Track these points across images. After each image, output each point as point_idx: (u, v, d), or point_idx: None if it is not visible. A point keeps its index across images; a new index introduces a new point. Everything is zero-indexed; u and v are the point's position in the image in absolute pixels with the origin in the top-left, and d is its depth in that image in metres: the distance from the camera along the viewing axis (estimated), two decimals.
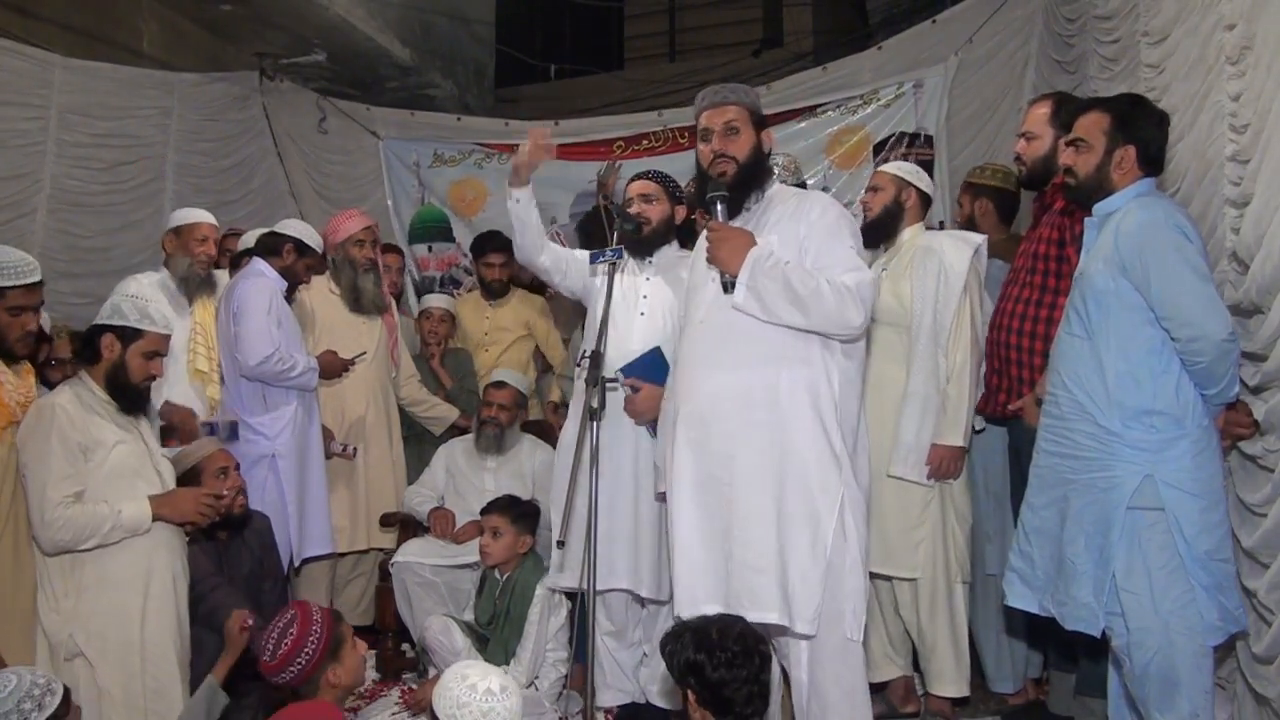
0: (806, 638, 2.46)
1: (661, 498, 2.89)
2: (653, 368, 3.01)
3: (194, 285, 3.65)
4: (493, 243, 4.76)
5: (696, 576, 2.53)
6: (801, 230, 2.56)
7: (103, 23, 5.38)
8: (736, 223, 2.61)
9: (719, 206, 2.56)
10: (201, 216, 3.72)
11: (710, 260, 2.55)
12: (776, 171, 2.85)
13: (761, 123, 2.68)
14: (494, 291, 4.74)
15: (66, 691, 2.09)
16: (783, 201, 2.66)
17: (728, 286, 2.51)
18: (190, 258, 3.64)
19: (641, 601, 3.24)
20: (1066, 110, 2.98)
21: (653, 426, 3.04)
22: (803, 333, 2.49)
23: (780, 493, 2.46)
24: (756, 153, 2.65)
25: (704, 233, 2.65)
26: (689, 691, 2.11)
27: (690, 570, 2.54)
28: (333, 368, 3.87)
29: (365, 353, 3.98)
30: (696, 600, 2.49)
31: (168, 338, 2.84)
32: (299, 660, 2.27)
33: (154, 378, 2.83)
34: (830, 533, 2.44)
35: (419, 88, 7.03)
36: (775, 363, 2.50)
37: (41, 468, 2.62)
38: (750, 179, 2.64)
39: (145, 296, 2.86)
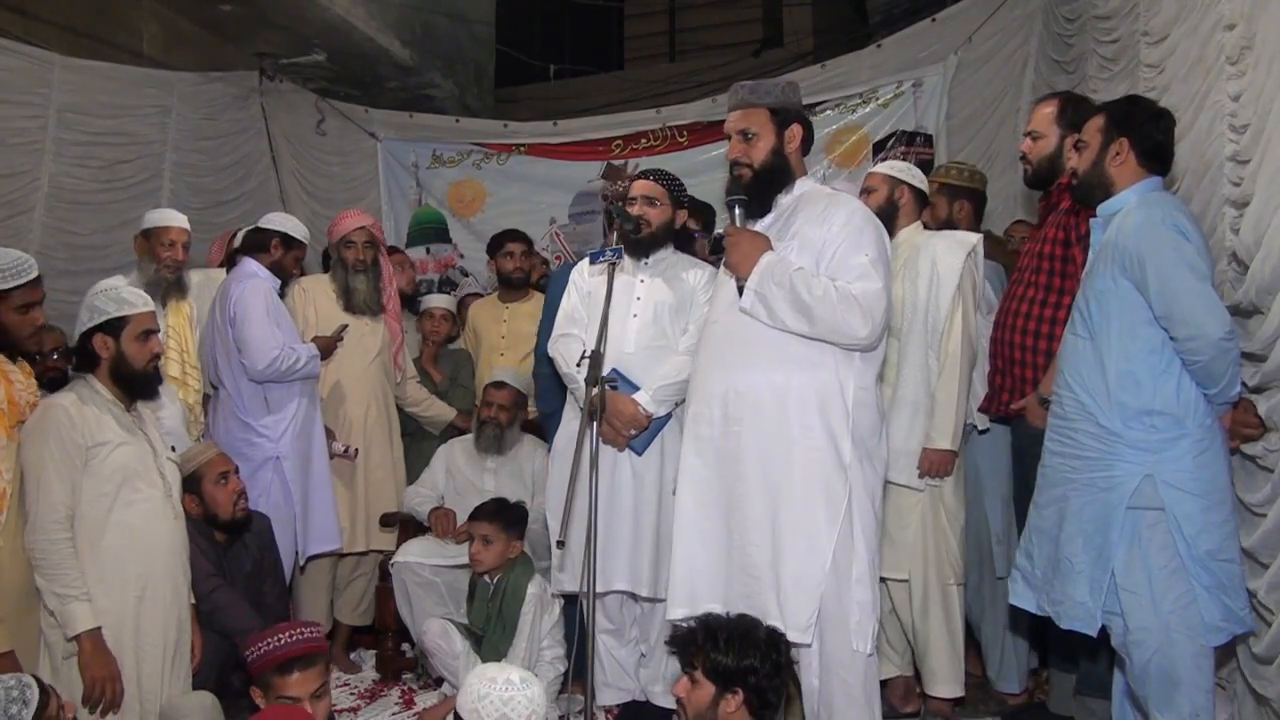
0: (806, 645, 2.45)
1: None
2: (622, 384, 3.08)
3: (161, 289, 3.55)
4: (511, 234, 4.69)
5: (696, 576, 2.54)
6: (823, 234, 2.54)
7: (102, 23, 5.38)
8: (766, 221, 2.62)
9: (737, 210, 2.58)
10: (171, 219, 3.64)
11: (725, 264, 2.57)
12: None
13: (788, 120, 2.64)
14: (515, 284, 4.60)
15: (40, 684, 2.11)
16: (811, 203, 2.63)
17: (741, 291, 2.52)
18: (156, 262, 3.57)
19: (637, 599, 3.24)
20: (1074, 110, 2.98)
21: (635, 444, 3.08)
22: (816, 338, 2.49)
23: (782, 500, 2.45)
24: (775, 156, 2.63)
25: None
26: (739, 691, 2.17)
27: (690, 569, 2.55)
28: (326, 348, 3.84)
29: (348, 325, 3.93)
30: (696, 599, 2.49)
31: (153, 313, 2.84)
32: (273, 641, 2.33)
33: (157, 356, 2.82)
34: (832, 543, 2.42)
35: (419, 88, 7.03)
36: (785, 366, 2.49)
37: (38, 469, 2.62)
38: (768, 183, 2.64)
39: (115, 285, 2.83)
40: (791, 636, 2.41)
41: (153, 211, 3.76)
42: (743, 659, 2.17)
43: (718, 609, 2.45)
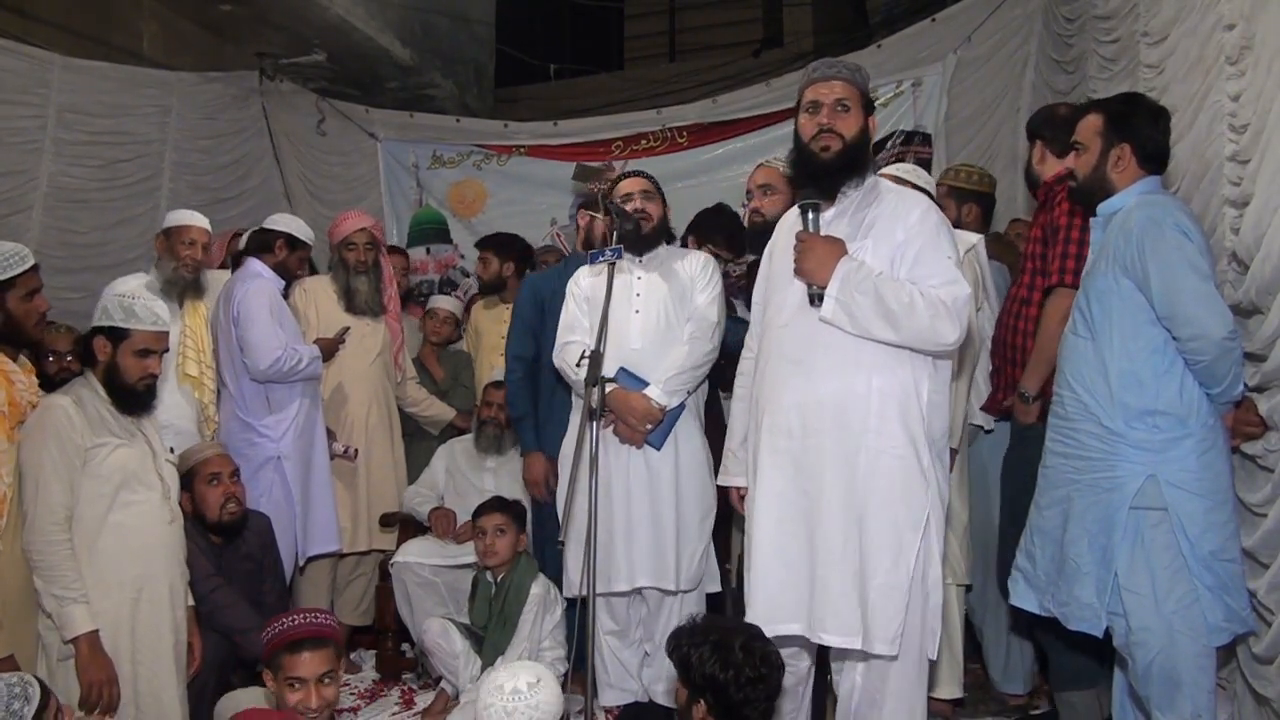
0: (889, 658, 2.38)
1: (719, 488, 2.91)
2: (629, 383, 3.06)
3: (179, 289, 3.57)
4: (486, 241, 4.73)
5: (776, 594, 2.44)
6: (899, 234, 2.43)
7: (102, 24, 5.37)
8: (829, 215, 2.49)
9: (809, 215, 2.45)
10: (191, 219, 3.66)
11: (797, 271, 2.44)
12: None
13: (870, 108, 2.54)
14: (486, 289, 4.68)
15: (41, 684, 2.10)
16: (882, 198, 2.51)
17: (815, 299, 2.40)
18: (176, 261, 3.59)
19: (640, 592, 3.22)
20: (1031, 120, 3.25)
21: (652, 439, 3.06)
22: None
23: (866, 511, 2.38)
24: (863, 136, 2.49)
25: (776, 227, 2.64)
26: (701, 701, 2.09)
27: (770, 587, 2.45)
28: (328, 349, 3.85)
29: (350, 327, 3.95)
30: (774, 619, 2.40)
31: (161, 334, 2.79)
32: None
33: (152, 376, 2.78)
34: (915, 551, 2.36)
35: (419, 88, 7.03)
36: (865, 372, 2.39)
37: (37, 470, 2.62)
38: (852, 162, 2.47)
39: (134, 294, 2.80)
40: (879, 650, 2.35)
41: (174, 211, 3.78)
42: (705, 668, 2.07)
43: (797, 628, 2.40)
